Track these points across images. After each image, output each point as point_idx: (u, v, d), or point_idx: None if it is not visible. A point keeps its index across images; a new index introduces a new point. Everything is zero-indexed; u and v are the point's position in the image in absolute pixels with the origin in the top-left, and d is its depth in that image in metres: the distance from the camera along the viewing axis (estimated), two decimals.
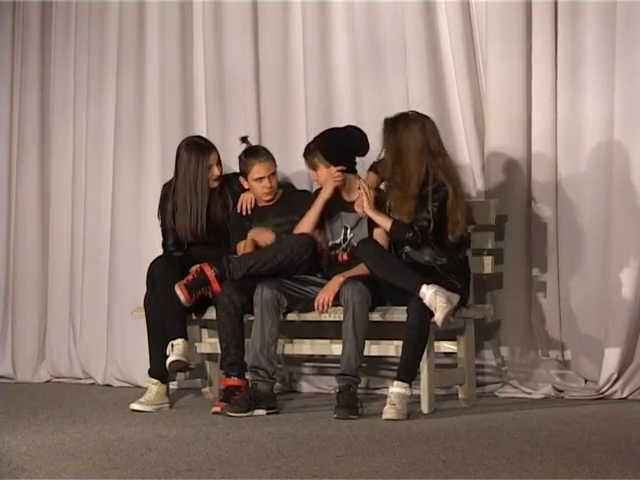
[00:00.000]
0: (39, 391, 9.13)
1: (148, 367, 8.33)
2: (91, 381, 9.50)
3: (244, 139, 8.55)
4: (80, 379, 9.44)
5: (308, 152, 8.10)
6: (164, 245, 8.53)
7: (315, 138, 8.13)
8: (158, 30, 9.35)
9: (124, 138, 9.40)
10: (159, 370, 8.23)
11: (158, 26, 9.33)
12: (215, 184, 8.47)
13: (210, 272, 8.02)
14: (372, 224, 8.01)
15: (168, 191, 8.51)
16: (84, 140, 9.58)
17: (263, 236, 8.30)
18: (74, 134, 9.63)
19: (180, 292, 7.96)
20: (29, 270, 9.79)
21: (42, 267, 9.75)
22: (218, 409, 7.91)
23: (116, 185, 9.38)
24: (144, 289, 8.41)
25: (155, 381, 8.26)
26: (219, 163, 8.48)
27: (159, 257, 8.40)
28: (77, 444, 6.92)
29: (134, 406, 8.15)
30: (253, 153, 8.41)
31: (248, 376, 8.03)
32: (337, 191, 8.14)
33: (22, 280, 9.83)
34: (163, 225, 8.55)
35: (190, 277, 8.02)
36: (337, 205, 8.16)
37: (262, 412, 7.84)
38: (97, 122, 9.54)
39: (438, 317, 7.52)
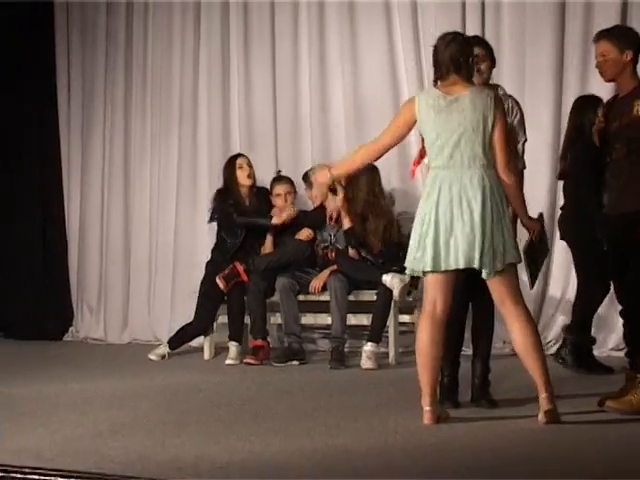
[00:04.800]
0: (122, 350, 9.09)
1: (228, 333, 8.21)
2: (159, 343, 9.40)
3: (279, 172, 8.56)
4: (151, 341, 9.24)
5: None
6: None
7: None
8: (207, 96, 9.22)
9: (184, 175, 9.29)
10: (237, 335, 8.16)
11: (207, 92, 9.21)
12: (248, 181, 8.40)
13: (240, 267, 8.10)
14: (346, 233, 8.04)
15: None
16: (156, 175, 9.42)
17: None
18: (149, 170, 9.46)
19: (219, 282, 8.04)
20: (117, 264, 9.58)
21: (125, 262, 9.54)
22: (249, 360, 7.90)
23: (178, 208, 9.30)
24: (197, 277, 8.40)
25: (235, 343, 8.10)
26: (250, 166, 8.40)
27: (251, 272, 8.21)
28: (147, 387, 7.03)
29: (228, 361, 8.00)
30: (277, 178, 8.49)
31: (286, 338, 8.04)
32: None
33: (112, 271, 9.60)
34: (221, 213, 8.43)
35: (226, 272, 8.07)
36: (324, 221, 8.16)
37: (296, 363, 7.85)
38: (165, 161, 9.38)
39: (395, 294, 7.66)
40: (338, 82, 8.84)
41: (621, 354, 7.09)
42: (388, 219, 8.03)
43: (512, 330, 5.51)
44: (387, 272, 7.70)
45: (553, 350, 7.72)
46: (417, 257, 5.45)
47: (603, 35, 5.91)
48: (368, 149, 5.70)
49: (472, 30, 7.91)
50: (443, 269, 5.42)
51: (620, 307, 6.22)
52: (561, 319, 8.04)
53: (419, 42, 8.48)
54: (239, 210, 8.35)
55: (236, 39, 9.15)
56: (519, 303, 5.49)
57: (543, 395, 5.43)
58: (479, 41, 6.06)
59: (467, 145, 5.38)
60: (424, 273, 5.47)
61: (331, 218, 7.98)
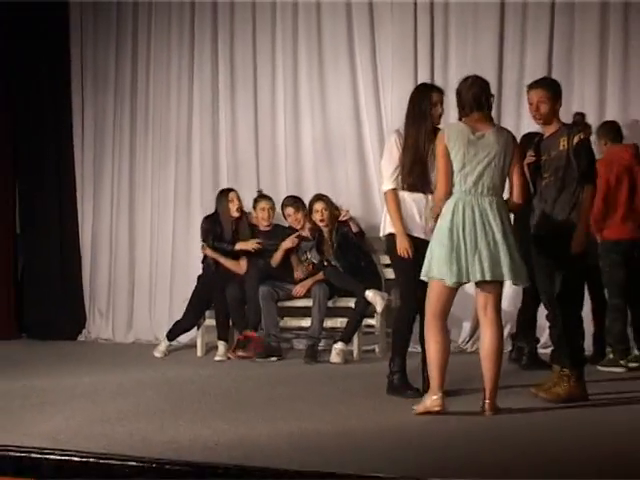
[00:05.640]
0: (128, 348, 9.01)
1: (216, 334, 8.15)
2: (159, 343, 9.29)
3: (260, 191, 8.52)
4: (152, 341, 9.08)
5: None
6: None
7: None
8: (200, 135, 9.19)
9: (179, 200, 9.24)
10: (224, 335, 8.09)
11: (199, 131, 9.17)
12: (236, 213, 8.33)
13: (252, 335, 7.93)
14: (319, 249, 8.05)
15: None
16: (156, 200, 9.35)
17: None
18: (150, 196, 9.37)
19: (236, 355, 7.87)
20: (123, 275, 9.48)
21: (130, 274, 9.45)
22: (240, 354, 7.86)
23: (175, 228, 9.24)
24: (192, 287, 8.36)
25: (223, 342, 8.03)
26: (238, 199, 8.34)
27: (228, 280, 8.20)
28: (149, 380, 7.01)
29: (217, 358, 7.93)
30: (260, 196, 8.46)
31: (266, 338, 7.91)
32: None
33: (119, 281, 9.50)
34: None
35: (239, 346, 7.93)
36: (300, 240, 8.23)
37: (274, 359, 7.78)
38: (164, 189, 9.31)
39: (378, 310, 7.68)
40: (308, 122, 8.85)
41: (547, 351, 7.13)
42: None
43: (485, 333, 5.45)
44: (369, 288, 7.69)
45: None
46: (444, 269, 5.34)
47: (539, 85, 5.92)
48: (440, 188, 5.46)
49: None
50: (468, 281, 5.37)
51: (547, 312, 6.26)
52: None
53: (378, 90, 8.53)
54: (218, 237, 8.30)
55: (224, 86, 9.14)
56: (498, 312, 5.48)
57: (487, 401, 5.39)
58: (438, 88, 6.14)
59: (488, 175, 5.39)
60: (460, 284, 5.39)
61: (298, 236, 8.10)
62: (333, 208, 8.13)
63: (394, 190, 5.98)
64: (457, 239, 5.33)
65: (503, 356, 5.53)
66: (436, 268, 5.38)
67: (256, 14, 9.00)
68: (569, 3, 7.98)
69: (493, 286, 5.42)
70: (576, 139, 5.76)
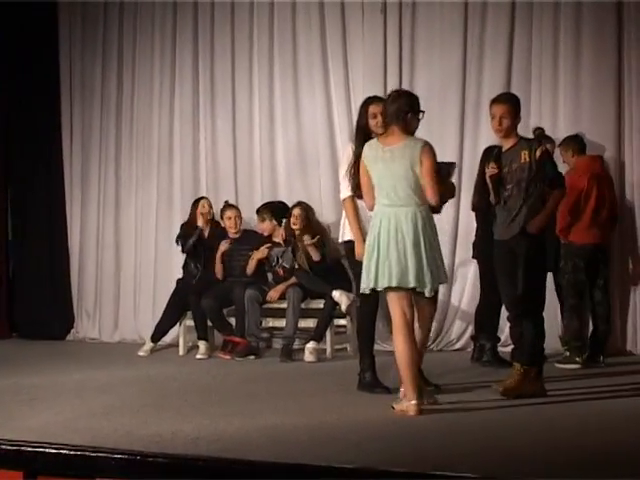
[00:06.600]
0: (113, 347, 8.90)
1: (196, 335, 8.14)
2: (143, 342, 9.19)
3: (226, 201, 8.51)
4: (137, 340, 8.99)
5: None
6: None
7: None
8: (180, 145, 9.08)
9: (161, 207, 9.15)
10: (204, 335, 8.05)
11: (180, 142, 9.08)
12: (208, 216, 8.40)
13: (236, 339, 7.84)
14: (294, 254, 8.00)
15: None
16: (140, 207, 9.27)
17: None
18: (134, 203, 9.29)
19: (225, 356, 7.81)
20: (109, 278, 9.35)
21: (116, 277, 9.31)
22: (224, 355, 7.81)
23: (157, 234, 9.14)
24: (173, 288, 8.38)
25: (203, 341, 8.00)
26: (210, 206, 8.42)
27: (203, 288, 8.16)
28: (133, 377, 6.96)
29: (198, 356, 7.89)
30: (226, 206, 8.44)
31: (247, 338, 7.85)
32: (270, 237, 8.21)
33: (105, 283, 9.37)
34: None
35: (227, 348, 7.86)
36: (271, 246, 8.21)
37: (253, 357, 7.73)
38: (147, 197, 9.23)
39: (343, 308, 7.64)
40: (283, 134, 8.80)
41: (507, 349, 7.13)
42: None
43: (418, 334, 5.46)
44: (336, 289, 7.65)
45: (457, 346, 7.83)
46: (365, 277, 5.37)
47: (502, 100, 5.91)
48: (366, 203, 5.54)
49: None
50: (379, 288, 5.32)
51: (507, 313, 6.25)
52: (459, 322, 8.08)
53: (350, 104, 8.48)
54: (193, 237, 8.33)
55: (203, 101, 9.10)
56: (431, 316, 5.52)
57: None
58: (376, 99, 6.09)
59: (400, 187, 5.32)
60: (385, 290, 5.33)
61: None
62: (311, 214, 8.10)
63: (352, 197, 5.96)
64: (375, 248, 5.33)
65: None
66: (362, 276, 5.43)
67: (234, 32, 9.00)
68: (527, 21, 8.02)
69: (421, 295, 5.37)
70: (538, 152, 5.79)
